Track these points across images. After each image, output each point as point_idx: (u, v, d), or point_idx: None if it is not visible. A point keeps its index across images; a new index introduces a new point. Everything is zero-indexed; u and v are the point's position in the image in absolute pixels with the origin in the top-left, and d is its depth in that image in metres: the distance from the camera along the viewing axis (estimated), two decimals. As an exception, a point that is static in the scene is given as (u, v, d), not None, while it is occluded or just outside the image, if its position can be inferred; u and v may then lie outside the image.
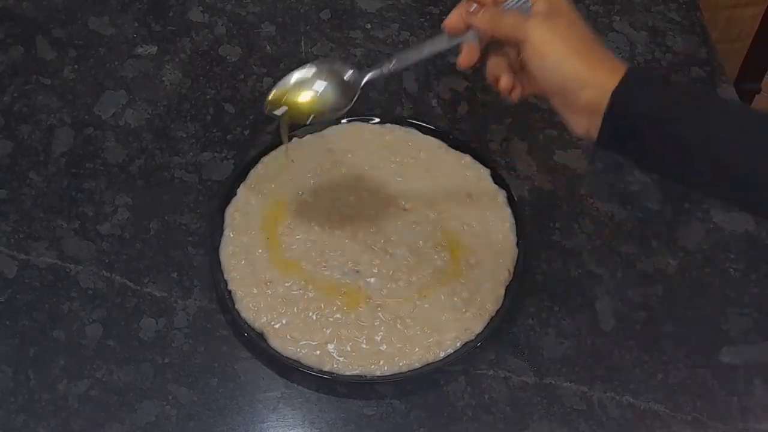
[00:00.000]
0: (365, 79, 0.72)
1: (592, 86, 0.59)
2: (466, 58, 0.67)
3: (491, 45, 0.67)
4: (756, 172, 0.56)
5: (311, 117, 0.73)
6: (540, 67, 0.61)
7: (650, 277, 0.84)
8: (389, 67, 0.70)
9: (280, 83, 0.74)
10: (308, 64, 0.73)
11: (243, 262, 0.82)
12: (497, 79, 0.67)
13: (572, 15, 0.62)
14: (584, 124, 0.61)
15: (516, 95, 0.67)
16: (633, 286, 0.84)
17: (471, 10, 0.66)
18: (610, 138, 0.60)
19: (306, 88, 0.73)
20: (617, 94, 0.58)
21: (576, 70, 0.59)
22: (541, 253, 0.85)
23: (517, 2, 0.65)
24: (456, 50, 0.69)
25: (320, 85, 0.73)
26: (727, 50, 1.43)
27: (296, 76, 0.73)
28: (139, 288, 0.83)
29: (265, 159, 0.88)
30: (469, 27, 0.66)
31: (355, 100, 0.72)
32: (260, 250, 0.83)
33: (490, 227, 0.84)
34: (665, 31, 1.02)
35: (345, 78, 0.72)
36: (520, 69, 0.66)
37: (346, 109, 0.73)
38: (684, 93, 0.62)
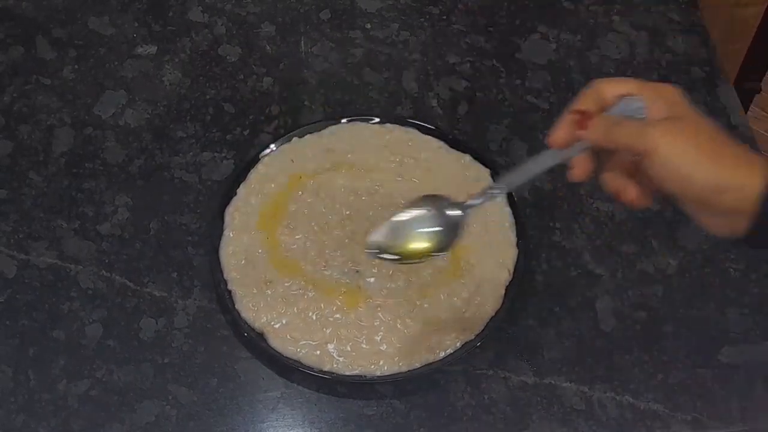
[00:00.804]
0: (469, 213, 0.65)
1: (733, 190, 0.55)
2: (581, 172, 0.60)
3: (602, 153, 0.61)
4: None
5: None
6: (671, 179, 0.56)
7: (650, 277, 0.84)
8: (495, 196, 0.64)
9: (385, 233, 0.66)
10: (415, 210, 0.67)
11: (243, 262, 0.82)
12: (618, 191, 0.61)
13: (694, 115, 0.57)
14: (726, 226, 0.57)
15: (648, 202, 0.61)
16: (633, 286, 0.84)
17: (577, 120, 0.60)
18: (759, 238, 0.56)
19: (414, 240, 0.66)
20: (765, 198, 0.54)
21: (714, 177, 0.55)
22: (541, 253, 0.85)
23: (627, 107, 0.59)
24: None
25: (430, 237, 0.66)
26: (727, 50, 1.42)
27: (402, 225, 0.66)
28: (139, 288, 0.83)
29: (265, 159, 0.88)
30: (577, 140, 0.60)
31: (460, 236, 0.66)
32: (260, 250, 0.83)
33: (490, 227, 0.84)
34: (665, 31, 1.02)
35: (450, 217, 0.66)
36: (638, 172, 0.59)
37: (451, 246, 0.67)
38: None
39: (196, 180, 0.90)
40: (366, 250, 0.67)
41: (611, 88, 0.60)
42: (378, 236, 0.66)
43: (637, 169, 0.59)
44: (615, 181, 0.61)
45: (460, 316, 0.79)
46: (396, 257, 0.66)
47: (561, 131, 0.60)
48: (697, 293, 0.83)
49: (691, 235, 0.87)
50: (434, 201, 0.67)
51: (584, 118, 0.59)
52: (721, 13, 1.40)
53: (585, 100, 0.60)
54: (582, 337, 0.81)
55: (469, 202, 0.65)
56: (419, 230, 0.66)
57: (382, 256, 0.66)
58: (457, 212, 0.65)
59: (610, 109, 0.60)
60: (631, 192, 0.60)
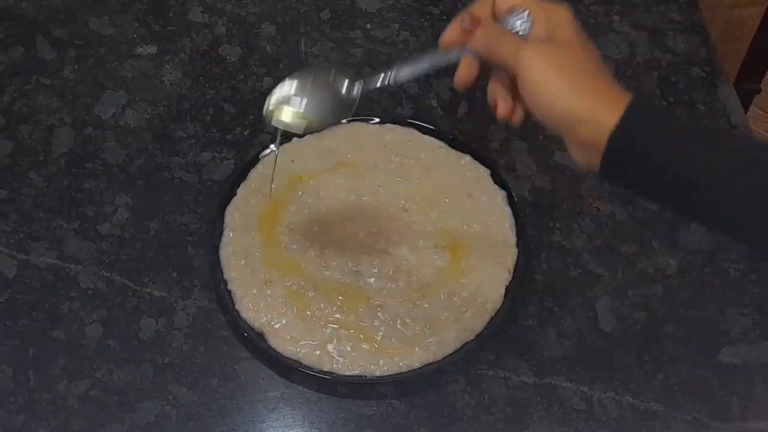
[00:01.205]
0: (359, 93, 0.68)
1: (589, 123, 0.56)
2: (462, 76, 0.63)
3: (490, 65, 0.63)
4: (751, 210, 0.54)
5: (304, 129, 0.70)
6: (534, 102, 0.58)
7: (650, 277, 0.84)
8: (386, 79, 0.67)
9: (275, 95, 0.70)
10: (304, 72, 0.70)
11: (243, 262, 0.82)
12: (495, 104, 0.64)
13: (575, 42, 0.58)
14: (584, 157, 0.58)
15: (516, 120, 0.63)
16: (633, 286, 0.84)
17: (466, 26, 0.61)
18: (610, 174, 0.57)
19: (297, 104, 0.69)
20: (615, 136, 0.55)
21: (571, 107, 0.56)
22: (541, 253, 0.85)
23: (517, 18, 0.61)
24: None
25: (312, 102, 0.69)
26: (727, 50, 1.43)
27: (287, 88, 0.70)
28: (139, 288, 0.83)
29: (265, 159, 0.88)
30: (463, 43, 0.62)
31: (351, 113, 0.69)
32: (260, 250, 0.83)
33: (490, 227, 0.84)
34: (665, 31, 1.02)
35: (342, 90, 0.69)
36: (515, 89, 0.62)
37: (341, 121, 0.71)
38: (684, 130, 0.57)
39: (196, 180, 0.90)
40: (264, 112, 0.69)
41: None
42: (269, 103, 0.69)
43: (514, 85, 0.60)
44: (495, 93, 0.63)
45: (460, 316, 0.79)
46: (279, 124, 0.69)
47: (451, 33, 0.62)
48: (697, 293, 0.84)
49: (691, 235, 0.87)
50: (323, 79, 0.69)
51: (473, 24, 0.61)
52: (721, 13, 1.41)
53: (478, 6, 0.62)
54: (582, 337, 0.81)
55: (357, 84, 0.68)
56: (303, 106, 0.69)
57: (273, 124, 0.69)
58: (348, 90, 0.68)
59: (502, 19, 0.61)
60: (503, 106, 0.62)
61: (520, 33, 0.61)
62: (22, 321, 0.81)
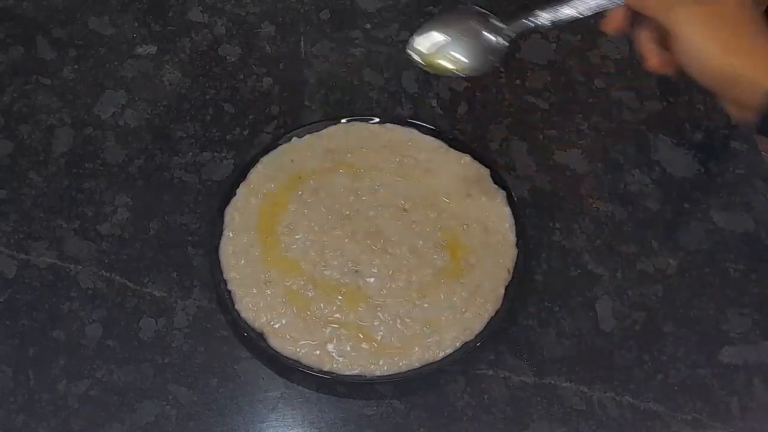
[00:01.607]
0: (510, 35, 0.66)
1: (744, 83, 0.55)
2: (613, 25, 0.62)
3: (639, 14, 0.62)
4: None
5: (459, 73, 0.69)
6: (687, 61, 0.57)
7: (650, 277, 0.84)
8: (534, 24, 0.65)
9: (425, 39, 0.68)
10: (449, 14, 0.68)
11: (243, 262, 0.82)
12: (645, 54, 0.62)
13: None
14: (739, 113, 0.57)
15: (668, 70, 0.61)
16: (633, 286, 0.84)
17: None
18: (766, 131, 0.56)
19: (445, 55, 0.68)
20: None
21: (726, 67, 0.55)
22: (541, 253, 0.85)
23: None
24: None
25: (463, 46, 0.67)
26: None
27: (435, 34, 0.68)
28: (139, 288, 0.83)
29: (265, 159, 0.88)
30: None
31: (502, 56, 0.67)
32: (260, 250, 0.83)
33: (490, 227, 0.84)
34: (665, 31, 1.02)
35: (490, 33, 0.67)
36: (665, 40, 0.60)
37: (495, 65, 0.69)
38: None
39: (196, 180, 0.90)
40: (408, 51, 0.69)
41: None
42: (419, 45, 0.68)
43: (664, 37, 0.59)
44: (645, 44, 0.61)
45: (460, 316, 0.79)
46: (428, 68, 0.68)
47: None
48: (697, 293, 0.84)
49: (691, 235, 0.87)
50: (473, 21, 0.68)
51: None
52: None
53: None
54: (582, 337, 0.81)
55: (507, 27, 0.66)
56: (456, 52, 0.68)
57: (418, 61, 0.68)
58: (495, 39, 0.66)
59: None
60: (653, 58, 0.60)
61: None
62: (22, 321, 0.81)
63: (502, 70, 0.98)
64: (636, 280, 0.84)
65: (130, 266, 0.84)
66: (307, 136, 0.90)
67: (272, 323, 0.79)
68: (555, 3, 0.64)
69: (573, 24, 1.02)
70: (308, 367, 0.77)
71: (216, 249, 0.83)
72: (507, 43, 0.66)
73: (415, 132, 0.90)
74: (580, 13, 0.63)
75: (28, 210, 0.88)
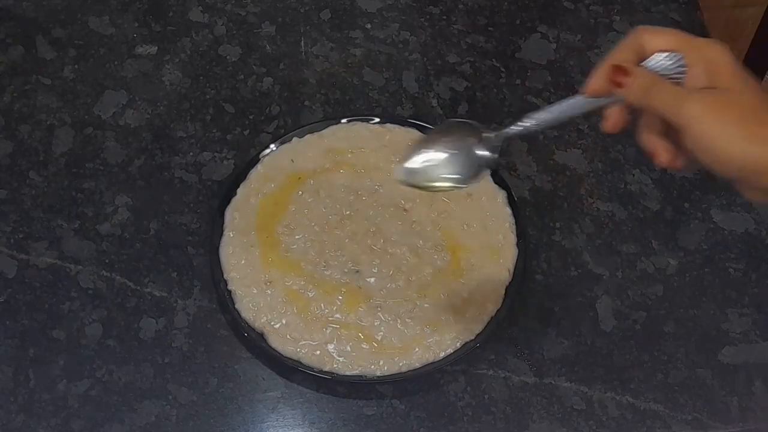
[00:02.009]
0: (499, 145, 0.65)
1: (760, 166, 0.52)
2: (613, 124, 0.59)
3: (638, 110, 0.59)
4: None
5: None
6: (706, 156, 0.53)
7: (650, 277, 0.84)
8: (526, 129, 0.63)
9: (411, 165, 0.66)
10: (436, 136, 0.67)
11: (243, 262, 0.82)
12: (653, 152, 0.58)
13: (738, 85, 0.54)
14: (763, 198, 0.55)
15: (680, 166, 0.58)
16: (633, 286, 0.84)
17: (615, 78, 0.57)
18: None
19: (436, 176, 0.66)
20: None
21: (752, 159, 0.52)
22: (541, 253, 0.85)
23: (667, 63, 0.56)
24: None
25: (451, 171, 0.66)
26: (727, 50, 1.42)
27: (421, 157, 0.66)
28: (139, 288, 0.83)
29: (265, 159, 0.88)
30: (612, 93, 0.57)
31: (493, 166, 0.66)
32: (260, 250, 0.83)
33: (490, 227, 0.84)
34: (665, 31, 1.02)
35: (476, 152, 0.65)
36: (674, 134, 0.56)
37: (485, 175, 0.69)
38: None
39: (196, 180, 0.90)
40: (396, 178, 0.67)
41: (653, 40, 0.57)
42: (405, 172, 0.67)
43: (673, 131, 0.56)
44: (650, 141, 0.58)
45: (460, 316, 0.79)
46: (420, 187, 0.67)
47: (597, 81, 0.58)
48: (697, 293, 0.84)
49: (691, 235, 0.87)
50: (462, 135, 0.66)
51: (620, 72, 0.56)
52: (721, 13, 1.41)
53: (624, 50, 0.58)
54: (582, 337, 0.81)
55: (495, 136, 0.65)
56: (444, 173, 0.66)
57: (410, 184, 0.67)
58: (486, 153, 0.65)
59: (649, 60, 0.57)
60: (664, 154, 0.57)
61: (673, 77, 0.56)
62: (22, 321, 0.81)
63: (502, 70, 0.98)
64: (636, 280, 0.84)
65: (130, 266, 0.84)
66: (307, 136, 0.90)
67: (272, 323, 0.79)
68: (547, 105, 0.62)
69: (573, 24, 1.02)
70: (308, 367, 0.77)
71: (216, 249, 0.83)
72: (497, 154, 0.65)
73: (415, 132, 0.90)
74: (573, 116, 0.61)
75: (28, 210, 0.88)
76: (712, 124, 0.52)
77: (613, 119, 0.59)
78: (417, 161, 0.67)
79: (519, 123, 0.63)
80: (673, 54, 0.57)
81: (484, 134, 0.65)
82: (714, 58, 0.54)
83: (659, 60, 0.57)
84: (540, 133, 0.59)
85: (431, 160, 0.66)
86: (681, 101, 0.54)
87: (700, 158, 0.54)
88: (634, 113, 0.59)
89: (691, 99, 0.54)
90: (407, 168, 0.67)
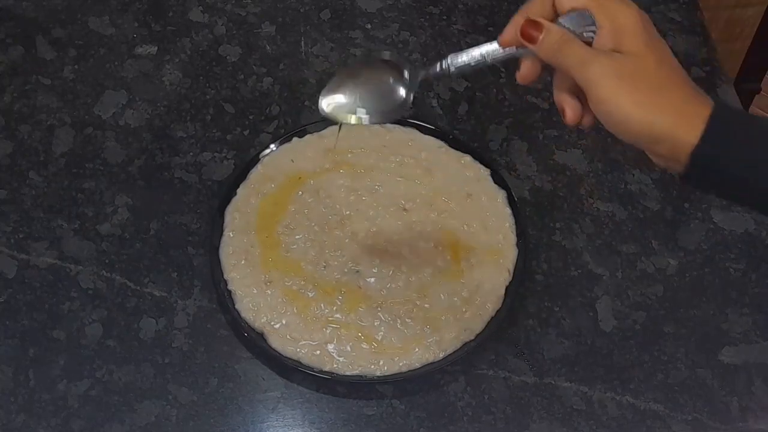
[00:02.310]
0: (416, 82, 0.66)
1: (667, 141, 0.53)
2: (526, 75, 0.59)
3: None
4: None
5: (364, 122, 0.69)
6: (606, 120, 0.55)
7: (650, 277, 0.84)
8: (442, 66, 0.63)
9: (329, 95, 0.67)
10: (355, 65, 0.68)
11: (243, 262, 0.82)
12: (563, 109, 0.59)
13: (642, 47, 0.54)
14: (665, 166, 0.56)
15: (587, 124, 0.59)
16: (633, 286, 0.84)
17: (528, 30, 0.57)
18: (691, 184, 0.56)
19: (353, 102, 0.67)
20: (695, 154, 0.53)
21: (648, 126, 0.53)
22: (541, 253, 0.85)
23: (579, 20, 0.57)
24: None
25: (369, 98, 0.67)
26: (727, 50, 1.43)
27: (341, 86, 0.67)
28: (139, 288, 0.83)
29: (265, 159, 0.88)
30: (524, 46, 0.58)
31: (408, 104, 0.66)
32: (260, 250, 0.83)
33: (490, 227, 0.84)
34: (665, 31, 1.02)
35: (396, 81, 0.66)
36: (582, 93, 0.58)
37: (402, 114, 0.69)
38: (764, 140, 0.54)
39: (196, 180, 0.90)
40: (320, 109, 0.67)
41: None
42: (324, 103, 0.67)
43: (581, 89, 0.57)
44: (559, 97, 0.59)
45: (460, 316, 0.79)
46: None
47: (510, 32, 0.59)
48: (697, 293, 0.84)
49: (691, 235, 0.87)
50: (383, 70, 0.67)
51: (533, 26, 0.57)
52: (721, 13, 1.41)
53: (537, 3, 0.59)
54: (582, 337, 0.81)
55: (413, 73, 0.66)
56: (360, 107, 0.67)
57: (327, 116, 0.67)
58: (402, 91, 0.66)
59: (563, 16, 0.58)
60: (571, 113, 0.59)
61: (584, 35, 0.57)
62: (22, 321, 0.81)
63: (502, 70, 0.98)
64: (636, 280, 0.84)
65: (130, 266, 0.84)
66: (307, 136, 0.90)
67: (272, 323, 0.79)
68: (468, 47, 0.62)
69: (506, 65, 1.02)
70: (308, 367, 0.77)
71: (216, 249, 0.83)
72: (413, 92, 0.66)
73: (415, 132, 0.90)
74: (485, 60, 0.61)
75: (28, 210, 0.88)
76: (609, 89, 0.53)
77: (524, 71, 0.59)
78: (337, 93, 0.67)
79: (438, 63, 0.64)
80: (585, 12, 0.57)
81: (405, 71, 0.66)
82: (623, 21, 0.55)
83: (573, 15, 0.57)
84: (460, 77, 0.59)
85: (351, 93, 0.67)
86: (585, 62, 0.54)
87: (602, 121, 0.55)
88: (548, 68, 0.59)
89: (593, 62, 0.54)
90: (326, 99, 0.67)
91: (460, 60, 0.63)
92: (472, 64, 0.62)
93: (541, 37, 0.57)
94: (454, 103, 0.96)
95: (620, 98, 0.53)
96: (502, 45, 0.60)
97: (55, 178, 0.90)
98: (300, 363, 0.77)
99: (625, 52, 0.54)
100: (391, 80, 0.67)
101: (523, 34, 0.57)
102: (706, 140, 0.53)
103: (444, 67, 0.63)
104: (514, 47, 0.60)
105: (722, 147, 0.53)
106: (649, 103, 0.53)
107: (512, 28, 0.59)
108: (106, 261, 0.84)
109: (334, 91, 0.67)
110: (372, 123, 0.68)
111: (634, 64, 0.54)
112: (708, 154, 0.53)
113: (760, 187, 0.53)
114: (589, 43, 0.57)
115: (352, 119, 0.67)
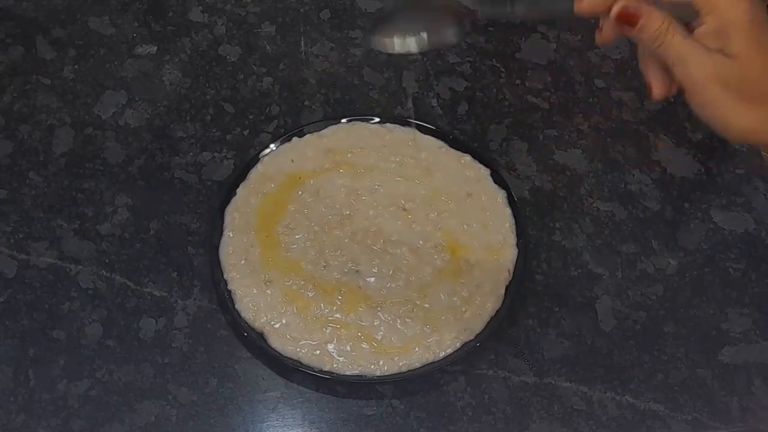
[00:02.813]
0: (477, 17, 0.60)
1: (760, 139, 0.53)
2: (607, 37, 0.56)
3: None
4: None
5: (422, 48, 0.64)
6: (706, 121, 0.52)
7: (650, 277, 0.84)
8: (503, 15, 0.58)
9: (383, 25, 0.63)
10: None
11: (243, 262, 0.82)
12: (649, 83, 0.56)
13: (749, 50, 0.51)
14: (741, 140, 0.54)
15: (672, 93, 0.56)
16: (633, 286, 0.84)
17: (627, 10, 0.53)
18: None
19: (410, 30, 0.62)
20: None
21: (751, 136, 0.52)
22: (541, 253, 0.85)
23: (681, 5, 0.52)
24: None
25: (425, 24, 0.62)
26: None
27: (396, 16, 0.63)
28: (139, 288, 0.83)
29: (265, 159, 0.88)
30: (620, 30, 0.54)
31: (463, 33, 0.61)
32: (260, 250, 0.83)
33: (490, 227, 0.84)
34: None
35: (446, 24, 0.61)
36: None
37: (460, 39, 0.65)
38: None
39: (196, 180, 0.90)
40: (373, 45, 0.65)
41: None
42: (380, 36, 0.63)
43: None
44: (649, 73, 0.56)
45: (460, 316, 0.79)
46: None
47: (592, 3, 0.55)
48: (697, 293, 0.84)
49: (691, 235, 0.87)
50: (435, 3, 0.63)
51: (634, 8, 0.53)
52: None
53: None
54: (582, 337, 0.81)
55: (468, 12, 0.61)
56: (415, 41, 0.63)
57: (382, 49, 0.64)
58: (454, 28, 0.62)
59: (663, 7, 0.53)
60: (659, 88, 0.55)
61: (686, 20, 0.53)
62: (22, 321, 0.81)
63: (502, 70, 0.98)
64: (636, 280, 0.84)
65: (130, 266, 0.84)
66: (307, 136, 0.90)
67: (272, 323, 0.79)
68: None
69: (573, 24, 1.02)
70: (308, 367, 0.77)
71: (216, 249, 0.83)
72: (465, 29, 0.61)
73: (415, 132, 0.90)
74: (553, 17, 0.57)
75: (28, 210, 0.88)
76: (712, 95, 0.51)
77: (608, 32, 0.56)
78: (391, 27, 0.63)
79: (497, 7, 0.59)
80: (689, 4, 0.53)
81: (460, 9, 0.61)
82: (731, 18, 0.51)
83: (674, 8, 0.53)
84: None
85: (404, 26, 0.63)
86: (687, 61, 0.52)
87: (700, 113, 0.53)
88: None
89: (696, 62, 0.51)
90: (382, 33, 0.63)
91: (521, 6, 0.57)
92: (534, 13, 0.58)
93: (641, 23, 0.53)
94: (454, 103, 0.96)
95: (723, 107, 0.51)
96: (579, 12, 0.55)
97: (55, 178, 0.90)
98: (300, 363, 0.77)
99: (731, 55, 0.51)
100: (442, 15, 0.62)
101: (622, 16, 0.53)
102: None
103: (506, 10, 0.58)
104: (594, 17, 0.54)
105: None
106: (753, 114, 0.51)
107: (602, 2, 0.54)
108: (106, 261, 0.84)
109: (386, 24, 0.64)
110: (419, 49, 0.64)
111: (740, 70, 0.51)
112: None
113: None
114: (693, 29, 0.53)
115: (401, 45, 0.63)
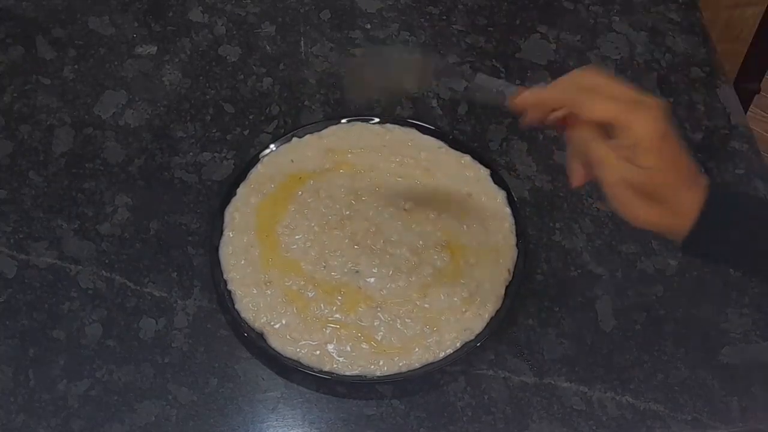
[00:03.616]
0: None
1: (664, 231, 0.63)
2: (579, 179, 0.65)
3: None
4: None
5: None
6: (612, 205, 0.63)
7: (650, 277, 0.84)
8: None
9: None
10: None
11: (243, 262, 0.82)
12: (571, 174, 0.65)
13: (656, 161, 0.60)
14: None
15: (584, 182, 0.66)
16: (633, 286, 0.84)
17: (557, 117, 0.64)
18: (689, 255, 0.66)
19: None
20: (686, 245, 0.62)
21: (648, 225, 0.62)
22: (541, 253, 0.85)
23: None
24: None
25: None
26: (727, 50, 1.42)
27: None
28: (139, 288, 0.83)
29: (265, 159, 0.88)
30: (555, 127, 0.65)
31: None
32: (260, 250, 0.83)
33: (490, 227, 0.84)
34: (665, 31, 1.02)
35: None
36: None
37: None
38: (751, 233, 0.62)
39: (196, 180, 0.90)
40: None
41: (597, 109, 0.61)
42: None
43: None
44: (573, 168, 0.65)
45: (460, 316, 0.79)
46: None
47: (525, 101, 0.66)
48: (697, 293, 0.84)
49: (691, 235, 0.87)
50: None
51: (565, 119, 0.63)
52: (721, 13, 1.40)
53: (562, 88, 0.64)
54: (582, 337, 0.81)
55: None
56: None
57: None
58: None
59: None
60: (577, 180, 0.65)
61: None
62: (22, 321, 0.81)
63: (502, 70, 0.98)
64: (636, 280, 0.84)
65: (130, 266, 0.84)
66: (307, 136, 0.90)
67: (272, 323, 0.79)
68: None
69: (573, 24, 1.02)
70: (308, 367, 0.77)
71: (216, 249, 0.83)
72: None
73: (415, 132, 0.90)
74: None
75: (28, 210, 0.88)
76: (622, 194, 0.61)
77: (578, 176, 0.65)
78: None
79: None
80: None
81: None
82: (641, 136, 0.60)
83: None
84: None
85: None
86: (605, 165, 0.61)
87: (612, 206, 0.63)
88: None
89: (611, 167, 0.61)
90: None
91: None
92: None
93: (571, 131, 0.64)
94: (454, 103, 0.96)
95: (629, 204, 0.62)
96: (511, 108, 0.68)
97: (55, 178, 0.90)
98: (300, 363, 0.77)
99: (640, 166, 0.60)
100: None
101: (561, 122, 0.64)
102: (693, 235, 0.61)
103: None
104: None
105: (709, 240, 0.62)
106: (655, 211, 0.61)
107: (528, 98, 0.66)
108: (106, 261, 0.84)
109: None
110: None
111: (647, 178, 0.60)
112: (696, 245, 0.62)
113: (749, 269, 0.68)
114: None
115: None
